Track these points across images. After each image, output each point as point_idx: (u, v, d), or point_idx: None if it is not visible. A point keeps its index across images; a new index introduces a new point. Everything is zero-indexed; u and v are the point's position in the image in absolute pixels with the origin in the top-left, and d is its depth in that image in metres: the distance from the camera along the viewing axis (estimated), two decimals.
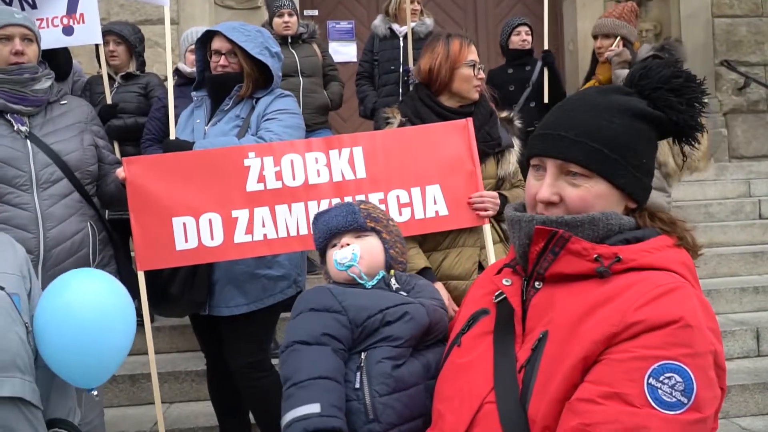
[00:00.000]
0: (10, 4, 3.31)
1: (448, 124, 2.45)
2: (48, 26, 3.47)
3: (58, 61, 3.56)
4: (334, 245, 1.59)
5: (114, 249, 2.70)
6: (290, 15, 4.50)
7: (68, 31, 3.52)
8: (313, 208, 2.37)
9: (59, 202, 2.44)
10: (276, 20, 4.49)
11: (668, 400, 0.94)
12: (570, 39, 7.54)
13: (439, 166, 2.44)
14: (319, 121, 4.58)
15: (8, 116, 2.41)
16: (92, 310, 1.76)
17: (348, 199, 2.36)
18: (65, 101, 2.62)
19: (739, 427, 3.34)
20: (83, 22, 3.53)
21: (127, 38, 4.09)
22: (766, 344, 3.93)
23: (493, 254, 2.41)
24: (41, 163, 2.42)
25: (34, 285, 1.78)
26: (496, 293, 1.25)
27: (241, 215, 2.38)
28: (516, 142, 2.62)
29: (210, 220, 2.38)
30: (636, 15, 4.00)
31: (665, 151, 3.47)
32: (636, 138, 1.16)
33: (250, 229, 2.38)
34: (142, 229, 2.37)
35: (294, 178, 2.40)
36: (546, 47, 4.83)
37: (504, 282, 1.22)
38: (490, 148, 2.52)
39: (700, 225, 5.34)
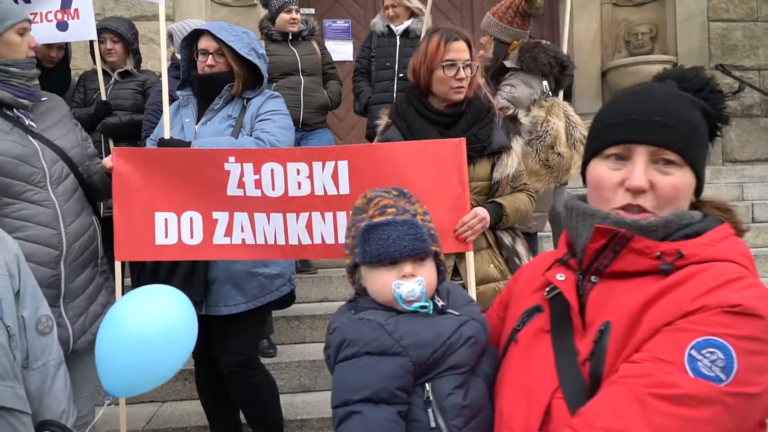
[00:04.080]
0: None
1: (440, 143, 2.33)
2: (42, 21, 3.43)
3: (57, 78, 3.56)
4: (386, 264, 1.34)
5: (108, 243, 2.69)
6: (297, 12, 4.51)
7: (62, 26, 3.49)
8: (292, 220, 2.34)
9: (72, 198, 2.42)
10: (283, 16, 4.47)
11: (706, 372, 0.94)
12: (566, 40, 7.56)
13: (427, 187, 2.29)
14: (318, 121, 4.57)
15: (17, 111, 2.35)
16: (161, 335, 1.84)
17: (329, 215, 2.31)
18: (45, 97, 2.59)
19: None
20: (78, 17, 3.50)
21: (123, 35, 4.05)
22: None
23: (472, 269, 2.30)
24: (50, 159, 2.38)
25: (25, 282, 1.71)
26: (548, 288, 1.22)
27: (221, 217, 2.37)
28: (518, 143, 2.48)
29: (191, 219, 2.37)
30: (516, 11, 3.64)
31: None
32: (704, 129, 1.15)
33: (229, 232, 2.37)
34: (124, 220, 2.36)
35: (273, 188, 2.33)
36: (565, 50, 4.72)
37: (558, 277, 1.18)
38: (475, 150, 2.38)
39: None
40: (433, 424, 1.22)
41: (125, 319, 1.86)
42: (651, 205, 1.11)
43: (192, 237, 2.37)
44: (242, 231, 2.37)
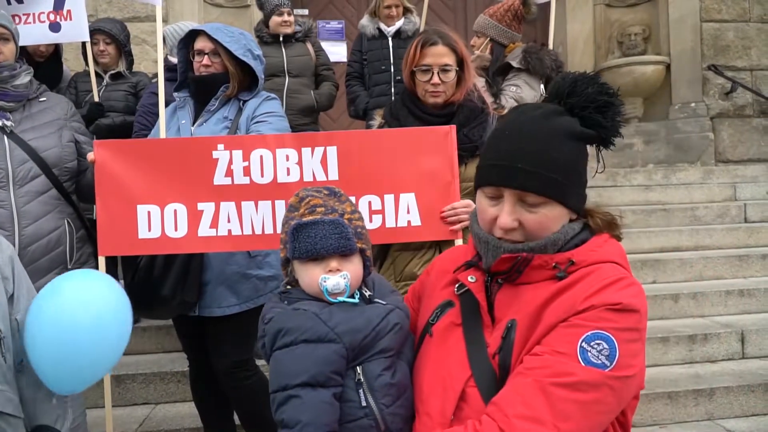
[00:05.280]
0: None
1: (431, 130, 2.35)
2: (34, 22, 3.44)
3: (46, 72, 3.54)
4: (315, 260, 1.43)
5: (93, 247, 2.68)
6: (289, 14, 4.51)
7: (55, 27, 3.49)
8: (281, 207, 2.32)
9: (36, 200, 2.41)
10: (275, 18, 4.47)
11: (594, 360, 1.11)
12: (559, 42, 7.58)
13: (417, 174, 2.34)
14: (302, 123, 4.52)
15: None
16: (88, 315, 1.67)
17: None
18: (44, 98, 2.60)
19: (724, 429, 3.36)
20: (70, 18, 3.51)
21: (116, 37, 4.05)
22: (751, 347, 3.95)
23: None
24: (18, 159, 2.39)
25: (20, 285, 1.70)
26: (458, 285, 1.36)
27: (207, 208, 2.34)
28: None
29: (175, 211, 2.33)
30: (514, 15, 3.74)
31: None
32: (579, 159, 1.27)
33: (214, 224, 2.34)
34: (106, 214, 2.33)
35: (263, 175, 2.33)
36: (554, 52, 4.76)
37: (469, 279, 1.32)
38: (466, 151, 2.39)
39: (686, 228, 5.39)
40: (364, 403, 1.34)
41: (38, 312, 1.66)
42: (522, 239, 1.26)
43: (176, 230, 2.33)
44: (228, 222, 2.34)
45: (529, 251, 1.25)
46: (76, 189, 2.67)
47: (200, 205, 2.33)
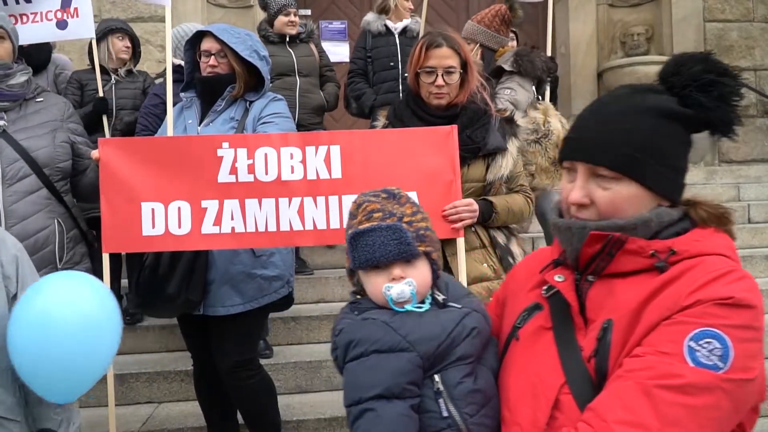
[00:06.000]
0: None
1: (433, 130, 2.37)
2: (42, 20, 3.47)
3: (30, 54, 3.54)
4: (377, 268, 1.36)
5: (88, 247, 2.68)
6: (296, 15, 4.53)
7: (62, 25, 3.52)
8: (284, 205, 2.33)
9: (24, 199, 2.42)
10: (281, 18, 4.48)
11: (705, 361, 1.00)
12: (562, 42, 7.58)
13: (419, 172, 2.34)
14: (314, 122, 4.56)
15: None
16: (74, 317, 1.58)
17: (321, 199, 2.32)
18: (41, 98, 2.61)
19: None
20: (77, 16, 3.54)
21: (133, 37, 4.17)
22: None
23: (463, 264, 2.32)
24: (9, 158, 2.40)
25: (25, 285, 1.68)
26: (545, 287, 1.26)
27: (211, 206, 2.35)
28: (514, 144, 2.49)
29: (179, 208, 2.34)
30: (502, 19, 3.77)
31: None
32: (666, 138, 1.16)
33: (218, 221, 2.35)
34: (110, 212, 2.34)
35: (267, 173, 2.34)
36: (549, 54, 4.79)
37: (557, 278, 1.23)
38: (469, 152, 2.39)
39: None
40: (445, 414, 1.26)
41: (22, 315, 1.59)
42: (593, 218, 1.18)
43: (180, 227, 2.34)
44: (232, 219, 2.35)
45: (619, 230, 1.13)
46: (73, 189, 2.68)
47: (204, 203, 2.34)
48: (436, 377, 1.29)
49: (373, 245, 1.34)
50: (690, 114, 1.15)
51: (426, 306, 1.37)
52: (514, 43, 4.64)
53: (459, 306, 1.38)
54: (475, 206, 2.34)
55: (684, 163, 1.20)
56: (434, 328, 1.31)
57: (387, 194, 1.44)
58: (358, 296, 1.46)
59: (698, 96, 1.15)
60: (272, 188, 2.34)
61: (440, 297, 1.41)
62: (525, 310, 1.29)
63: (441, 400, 1.27)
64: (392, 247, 1.33)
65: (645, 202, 1.16)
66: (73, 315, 1.59)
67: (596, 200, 1.16)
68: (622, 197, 1.15)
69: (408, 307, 1.34)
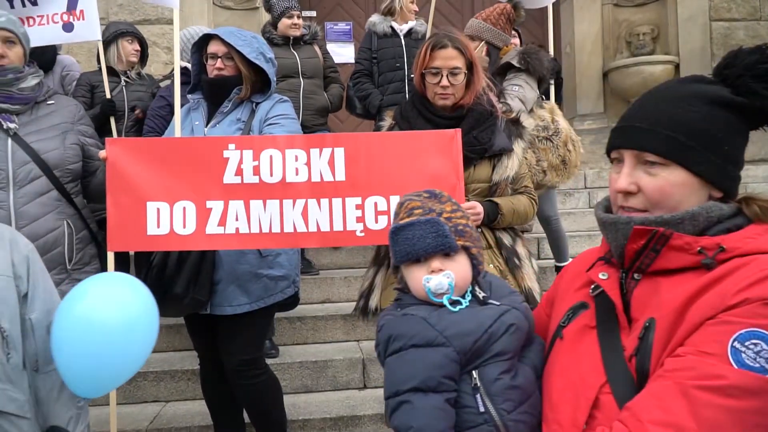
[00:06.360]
0: (11, 0, 3.33)
1: (437, 133, 2.38)
2: (48, 23, 3.50)
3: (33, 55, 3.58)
4: (417, 262, 1.42)
5: (97, 248, 2.70)
6: (299, 17, 4.55)
7: (68, 27, 3.55)
8: (288, 206, 2.35)
9: (34, 200, 2.45)
10: (284, 21, 4.50)
11: (751, 364, 0.95)
12: (567, 42, 7.58)
13: (422, 176, 2.34)
14: (318, 123, 4.58)
15: None
16: (118, 321, 1.70)
17: (325, 201, 2.34)
18: (52, 101, 2.64)
19: None
20: (83, 18, 3.56)
21: (141, 39, 4.23)
22: None
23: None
24: (19, 161, 2.43)
25: (35, 285, 1.71)
26: (593, 286, 1.25)
27: (216, 206, 2.36)
28: (520, 145, 2.50)
29: (184, 208, 2.36)
30: (507, 18, 3.79)
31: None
32: (716, 125, 1.13)
33: (222, 222, 2.36)
34: (116, 210, 2.36)
35: (272, 175, 2.35)
36: (551, 54, 4.80)
37: (600, 276, 1.22)
38: (475, 153, 2.41)
39: None
40: (482, 409, 1.28)
41: (78, 309, 1.71)
42: (641, 206, 1.16)
43: (184, 227, 2.36)
44: (236, 220, 2.36)
45: (664, 224, 1.11)
46: (84, 190, 2.71)
47: (209, 203, 2.36)
48: (474, 373, 1.31)
49: (412, 239, 1.39)
50: (743, 102, 1.13)
51: (465, 301, 1.40)
52: (518, 41, 4.65)
53: (498, 303, 1.41)
54: (479, 209, 2.34)
55: (737, 153, 1.16)
56: (471, 325, 1.33)
57: (429, 194, 1.51)
58: (403, 293, 1.50)
59: (753, 84, 1.12)
60: (277, 190, 2.36)
61: (481, 294, 1.44)
62: (570, 308, 1.29)
63: (478, 396, 1.29)
64: (430, 240, 1.38)
65: (695, 191, 1.13)
66: (118, 318, 1.70)
67: (643, 187, 1.15)
68: (670, 184, 1.13)
69: (445, 298, 1.37)
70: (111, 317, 1.70)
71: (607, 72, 7.38)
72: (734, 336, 0.97)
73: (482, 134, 2.43)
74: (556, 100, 4.52)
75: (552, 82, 4.50)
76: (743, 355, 0.96)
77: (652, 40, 7.34)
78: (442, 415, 1.26)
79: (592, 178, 6.69)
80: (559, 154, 3.98)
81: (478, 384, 1.30)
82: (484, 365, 1.32)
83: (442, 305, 1.38)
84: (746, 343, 0.96)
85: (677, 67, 7.16)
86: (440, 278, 1.37)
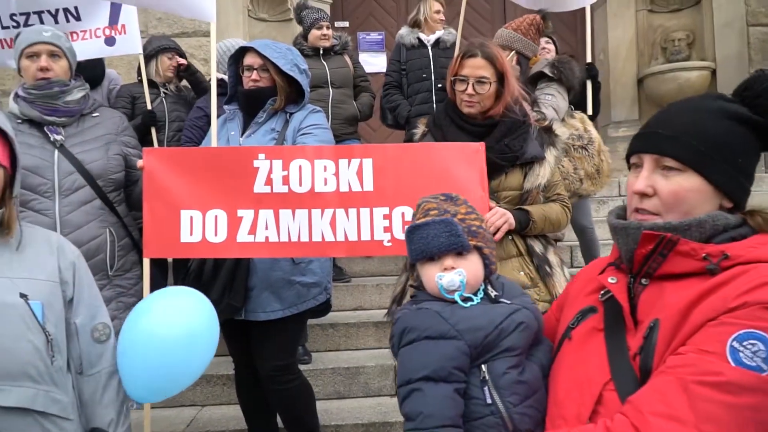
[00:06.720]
0: (56, 16, 3.46)
1: (462, 146, 2.39)
2: (91, 37, 3.62)
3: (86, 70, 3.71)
4: (431, 260, 1.49)
5: (139, 255, 2.77)
6: (328, 28, 4.63)
7: (110, 41, 3.67)
8: (317, 216, 2.38)
9: (79, 209, 2.54)
10: (314, 32, 4.58)
11: (748, 362, 1.00)
12: (601, 49, 7.50)
13: (449, 187, 2.26)
14: (347, 132, 4.62)
15: (45, 128, 2.57)
16: (182, 336, 1.83)
17: (353, 211, 2.37)
18: (97, 113, 2.75)
19: None
20: (125, 32, 3.68)
21: (181, 54, 4.37)
22: None
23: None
24: (65, 171, 2.53)
25: (80, 290, 1.77)
26: (602, 291, 1.31)
27: (246, 215, 2.40)
28: (552, 153, 2.49)
29: (216, 217, 2.40)
30: (537, 28, 3.80)
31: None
32: (735, 139, 1.19)
33: (253, 230, 2.40)
34: (152, 218, 2.42)
35: (301, 184, 2.39)
36: (589, 60, 4.77)
37: (609, 280, 1.27)
38: (506, 160, 2.41)
39: None
40: (489, 401, 1.35)
41: (144, 322, 1.86)
42: (655, 209, 1.22)
43: (216, 235, 2.40)
44: (266, 229, 2.40)
45: (672, 230, 1.17)
46: (126, 199, 2.80)
47: (240, 212, 2.40)
48: (483, 367, 1.37)
49: (427, 237, 1.47)
50: (760, 121, 1.19)
51: (477, 299, 1.47)
52: (553, 47, 4.65)
53: (509, 302, 1.48)
54: (502, 211, 2.33)
55: (750, 168, 1.23)
56: (482, 320, 1.40)
57: (445, 197, 1.58)
58: (419, 290, 1.57)
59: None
60: (306, 199, 2.39)
61: (492, 293, 1.51)
62: (579, 311, 1.35)
63: (486, 388, 1.36)
64: (444, 238, 1.46)
65: (708, 199, 1.19)
66: (181, 333, 1.84)
67: (659, 190, 1.21)
68: (685, 189, 1.19)
69: (457, 295, 1.44)
70: (173, 331, 1.83)
71: (642, 78, 7.29)
72: (733, 336, 1.03)
73: (514, 142, 2.43)
74: (593, 105, 4.50)
75: (589, 86, 4.50)
76: (741, 354, 1.01)
77: (687, 46, 7.22)
78: (451, 404, 1.32)
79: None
80: (594, 163, 4.00)
81: (487, 377, 1.36)
82: (493, 360, 1.38)
83: (455, 301, 1.45)
84: (744, 343, 1.02)
85: (714, 72, 7.03)
86: (452, 275, 1.44)
